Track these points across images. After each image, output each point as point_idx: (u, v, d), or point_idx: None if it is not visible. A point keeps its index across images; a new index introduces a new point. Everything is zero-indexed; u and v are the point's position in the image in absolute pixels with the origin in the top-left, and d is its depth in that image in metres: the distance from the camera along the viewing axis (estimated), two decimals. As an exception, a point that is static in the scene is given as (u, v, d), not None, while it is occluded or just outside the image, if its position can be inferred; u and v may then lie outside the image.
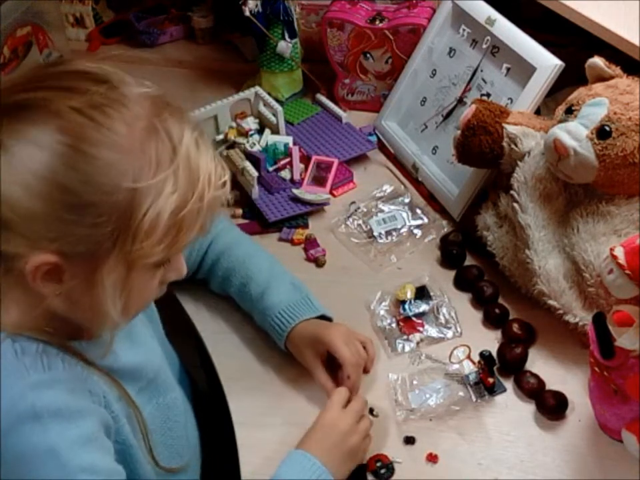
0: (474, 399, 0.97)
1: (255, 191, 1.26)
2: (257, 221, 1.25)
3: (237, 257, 1.07)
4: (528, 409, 0.97)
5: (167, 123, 0.69)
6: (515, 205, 1.04)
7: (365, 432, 0.91)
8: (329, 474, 0.84)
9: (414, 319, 1.08)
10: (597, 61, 1.00)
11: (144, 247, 0.68)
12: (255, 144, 1.31)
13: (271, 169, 1.31)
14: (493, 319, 1.07)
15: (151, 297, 0.79)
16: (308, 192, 1.27)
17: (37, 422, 0.68)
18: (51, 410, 0.69)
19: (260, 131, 1.35)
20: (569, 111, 0.99)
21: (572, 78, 1.08)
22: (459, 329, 1.06)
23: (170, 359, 1.03)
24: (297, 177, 1.31)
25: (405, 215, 1.24)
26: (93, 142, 0.65)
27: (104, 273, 0.68)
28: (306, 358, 0.98)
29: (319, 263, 1.18)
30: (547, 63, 1.12)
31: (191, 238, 0.72)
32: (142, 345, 0.89)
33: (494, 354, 0.99)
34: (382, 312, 1.09)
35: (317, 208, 1.27)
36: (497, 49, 1.21)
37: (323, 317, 1.01)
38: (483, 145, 1.08)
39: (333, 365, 0.98)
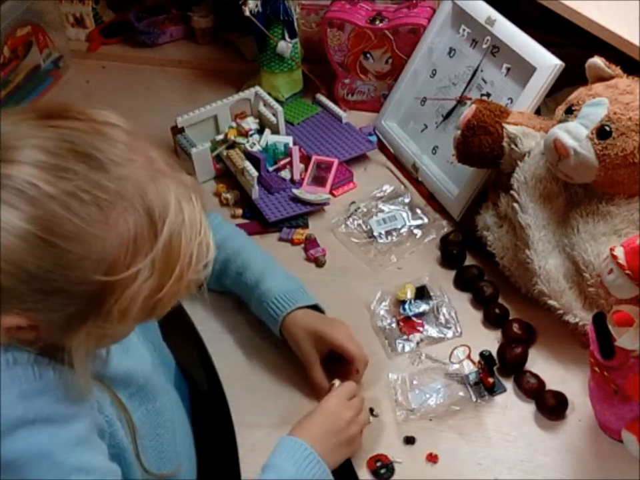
0: (474, 399, 0.97)
1: (255, 191, 1.26)
2: (257, 221, 1.25)
3: (232, 248, 1.08)
4: (528, 409, 0.97)
5: (150, 201, 0.65)
6: (515, 204, 1.04)
7: (363, 424, 0.92)
8: (319, 458, 0.85)
9: (414, 318, 1.08)
10: (597, 60, 1.00)
11: (115, 326, 0.68)
12: (254, 144, 1.31)
13: (271, 169, 1.31)
14: (493, 319, 1.07)
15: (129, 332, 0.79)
16: (308, 192, 1.27)
17: (29, 427, 0.68)
18: (42, 416, 0.69)
19: (260, 131, 1.35)
20: (569, 111, 0.99)
21: (572, 78, 1.08)
22: (458, 329, 1.06)
23: (164, 362, 1.02)
24: (297, 177, 1.31)
25: (404, 214, 1.24)
26: (65, 234, 0.62)
27: (75, 342, 0.68)
28: (304, 351, 0.98)
29: (318, 263, 1.18)
30: (547, 63, 1.12)
31: (166, 311, 0.73)
32: (133, 351, 0.88)
33: (494, 354, 0.99)
34: (382, 312, 1.09)
35: (317, 208, 1.27)
36: (497, 49, 1.21)
37: (316, 309, 1.02)
38: (482, 145, 1.08)
39: (328, 365, 0.99)
